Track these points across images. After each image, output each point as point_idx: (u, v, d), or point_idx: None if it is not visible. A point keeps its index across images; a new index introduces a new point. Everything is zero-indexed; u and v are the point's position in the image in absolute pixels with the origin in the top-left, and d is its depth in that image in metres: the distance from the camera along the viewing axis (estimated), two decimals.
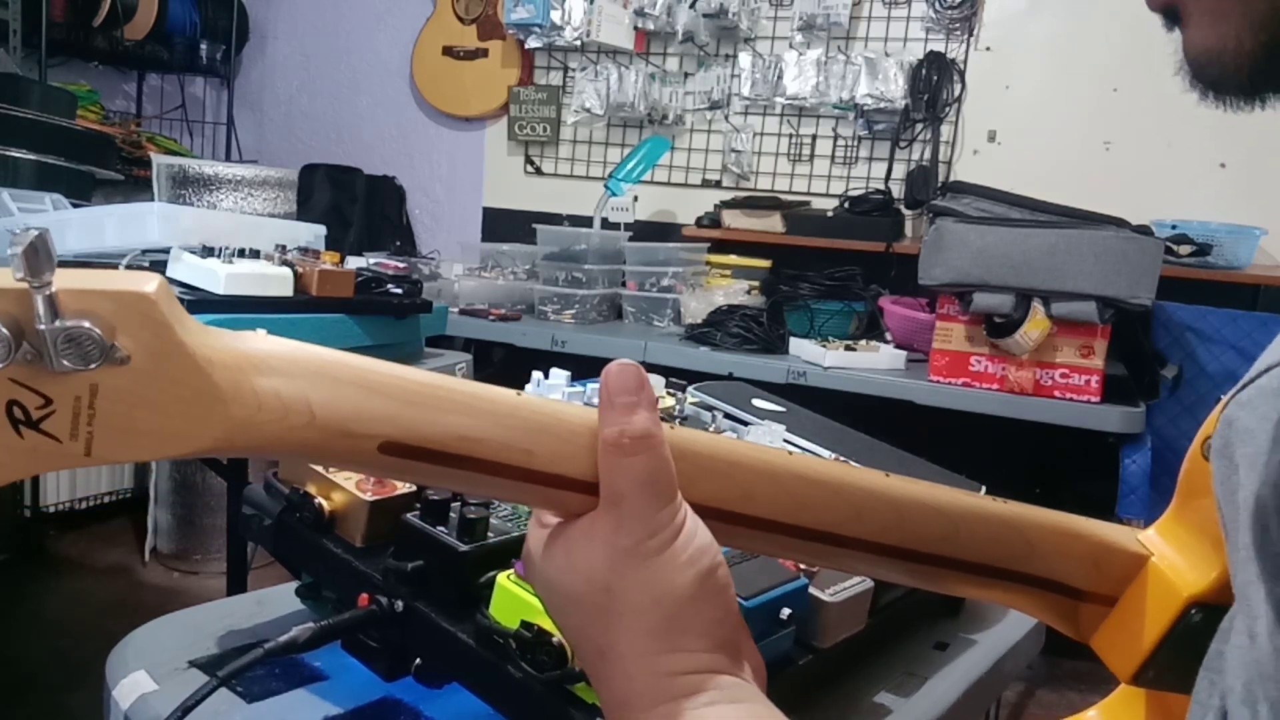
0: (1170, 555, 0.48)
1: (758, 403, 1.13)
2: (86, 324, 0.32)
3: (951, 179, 2.97)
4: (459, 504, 0.73)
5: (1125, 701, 0.54)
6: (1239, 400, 0.40)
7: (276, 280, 1.57)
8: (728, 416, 1.08)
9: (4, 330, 0.32)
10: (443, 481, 0.41)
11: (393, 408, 0.39)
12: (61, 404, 0.33)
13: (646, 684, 0.42)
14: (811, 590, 0.80)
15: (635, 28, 3.31)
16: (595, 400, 1.14)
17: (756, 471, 0.44)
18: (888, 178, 3.05)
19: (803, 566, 0.83)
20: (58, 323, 0.32)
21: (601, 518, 0.42)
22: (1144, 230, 2.19)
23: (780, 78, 3.17)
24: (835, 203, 3.11)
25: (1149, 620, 0.47)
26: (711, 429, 1.04)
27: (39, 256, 0.31)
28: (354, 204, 3.81)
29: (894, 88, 3.00)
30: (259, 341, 0.37)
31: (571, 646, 0.44)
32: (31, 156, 2.40)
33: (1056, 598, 0.49)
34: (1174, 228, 2.57)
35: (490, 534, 0.73)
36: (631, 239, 2.99)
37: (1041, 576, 0.48)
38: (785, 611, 0.75)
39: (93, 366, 0.33)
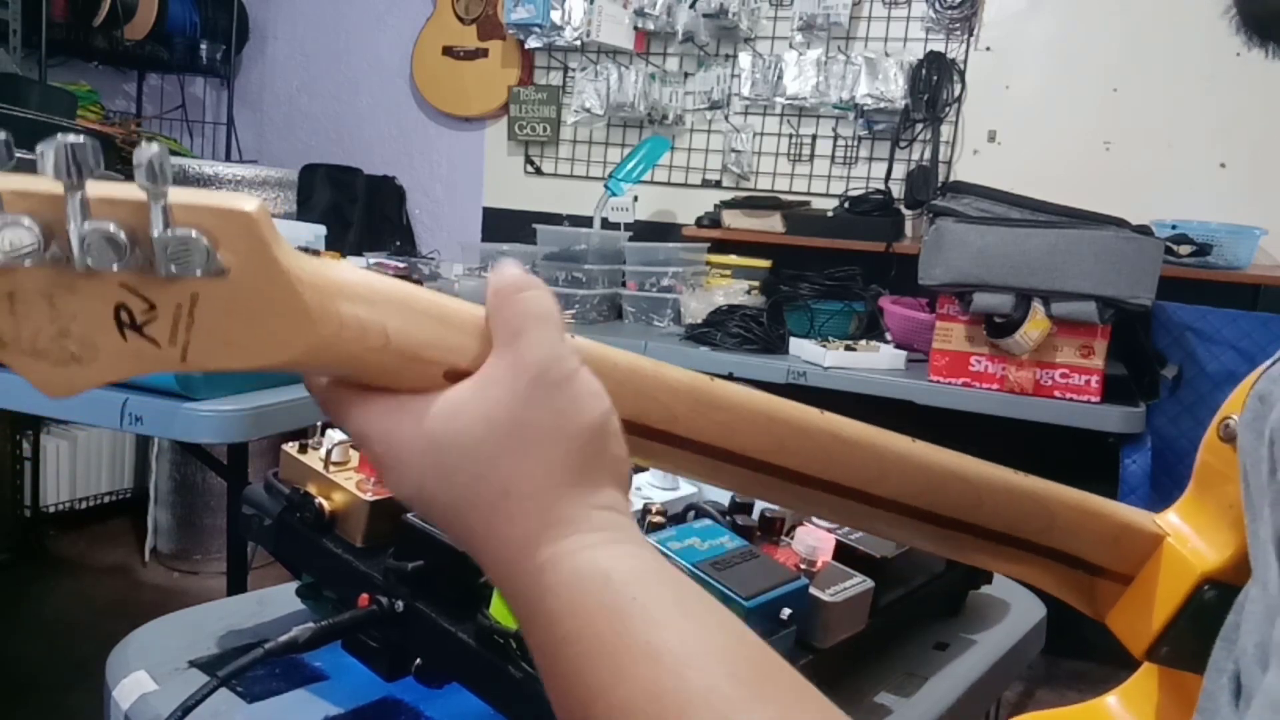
0: (1186, 535, 0.50)
1: None
2: (195, 233, 0.34)
3: (951, 179, 2.97)
4: None
5: (1142, 685, 0.55)
6: (1271, 375, 0.41)
7: None
8: None
9: (123, 235, 0.34)
10: None
11: (462, 339, 0.41)
12: (164, 310, 0.35)
13: (558, 514, 0.40)
14: (812, 590, 0.80)
15: (635, 28, 3.31)
16: None
17: (792, 426, 0.45)
18: (888, 178, 3.05)
19: (803, 567, 0.83)
20: (170, 231, 0.34)
21: (495, 362, 0.41)
22: (1144, 230, 2.19)
23: (780, 78, 3.17)
24: (835, 203, 3.10)
25: (1162, 596, 0.49)
26: None
27: (157, 170, 0.33)
28: (354, 204, 3.80)
29: (894, 88, 3.00)
30: (344, 270, 0.39)
31: (454, 511, 0.41)
32: (32, 156, 2.39)
33: (1074, 573, 0.50)
34: (1174, 228, 2.57)
35: None
36: (631, 239, 2.99)
37: (1061, 550, 0.50)
38: (786, 611, 0.75)
39: (198, 273, 0.35)
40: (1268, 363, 0.42)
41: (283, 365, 0.38)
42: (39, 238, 0.34)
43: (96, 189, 0.34)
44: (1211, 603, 0.47)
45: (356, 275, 0.39)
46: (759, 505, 0.93)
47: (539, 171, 3.67)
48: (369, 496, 0.79)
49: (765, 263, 2.93)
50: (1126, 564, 0.50)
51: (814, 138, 3.23)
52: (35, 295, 0.35)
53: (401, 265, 2.61)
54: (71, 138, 0.33)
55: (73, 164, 0.33)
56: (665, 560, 0.41)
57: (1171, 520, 0.51)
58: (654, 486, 1.03)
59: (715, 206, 3.17)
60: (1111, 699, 0.56)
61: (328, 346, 0.38)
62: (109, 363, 0.35)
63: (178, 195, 0.35)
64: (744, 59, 3.24)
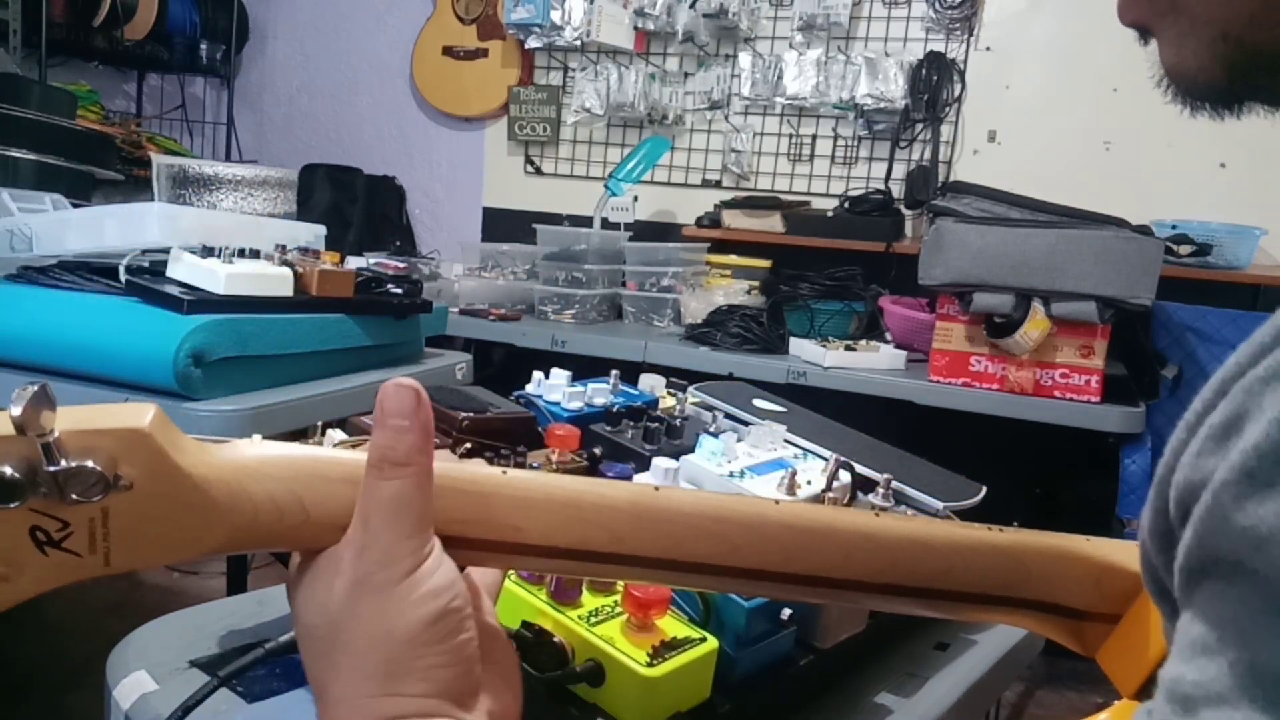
0: None
1: (758, 403, 1.13)
2: (90, 463, 0.36)
3: (951, 179, 2.97)
4: None
5: (1133, 706, 0.54)
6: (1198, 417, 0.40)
7: (276, 280, 1.56)
8: (728, 417, 1.08)
9: (17, 475, 0.35)
10: None
11: None
12: (78, 526, 0.37)
13: None
14: None
15: (635, 28, 3.31)
16: (594, 399, 1.12)
17: (744, 526, 0.45)
18: (888, 178, 3.05)
19: None
20: (63, 463, 0.35)
21: (347, 543, 0.41)
22: (1144, 230, 2.19)
23: (780, 78, 3.17)
24: (835, 203, 3.11)
25: (1153, 638, 0.47)
26: (713, 429, 1.04)
27: (38, 409, 0.34)
28: (354, 204, 3.81)
29: (894, 88, 3.00)
30: (252, 449, 0.40)
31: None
32: (31, 156, 2.40)
33: (1056, 619, 0.50)
34: (1174, 228, 2.57)
35: None
36: (631, 239, 2.99)
37: (1040, 600, 0.49)
38: (786, 612, 0.75)
39: (97, 499, 0.36)
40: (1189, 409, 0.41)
41: (208, 554, 0.39)
42: None
43: None
44: None
45: (266, 452, 0.40)
46: None
47: (539, 171, 3.67)
48: None
49: (765, 263, 2.93)
50: (1111, 605, 0.49)
51: (814, 138, 3.23)
52: None
53: (401, 265, 2.61)
54: None
55: None
56: None
57: None
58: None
59: (715, 206, 3.17)
60: (1103, 716, 0.55)
61: (248, 531, 0.39)
62: (35, 576, 0.37)
63: (68, 421, 0.35)
64: (744, 59, 3.24)
